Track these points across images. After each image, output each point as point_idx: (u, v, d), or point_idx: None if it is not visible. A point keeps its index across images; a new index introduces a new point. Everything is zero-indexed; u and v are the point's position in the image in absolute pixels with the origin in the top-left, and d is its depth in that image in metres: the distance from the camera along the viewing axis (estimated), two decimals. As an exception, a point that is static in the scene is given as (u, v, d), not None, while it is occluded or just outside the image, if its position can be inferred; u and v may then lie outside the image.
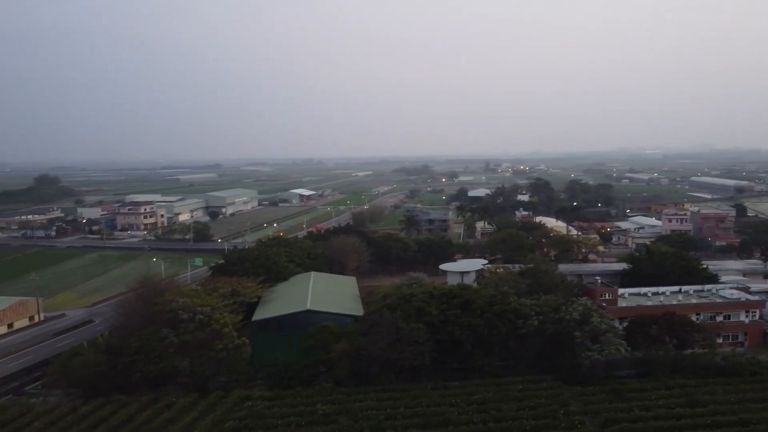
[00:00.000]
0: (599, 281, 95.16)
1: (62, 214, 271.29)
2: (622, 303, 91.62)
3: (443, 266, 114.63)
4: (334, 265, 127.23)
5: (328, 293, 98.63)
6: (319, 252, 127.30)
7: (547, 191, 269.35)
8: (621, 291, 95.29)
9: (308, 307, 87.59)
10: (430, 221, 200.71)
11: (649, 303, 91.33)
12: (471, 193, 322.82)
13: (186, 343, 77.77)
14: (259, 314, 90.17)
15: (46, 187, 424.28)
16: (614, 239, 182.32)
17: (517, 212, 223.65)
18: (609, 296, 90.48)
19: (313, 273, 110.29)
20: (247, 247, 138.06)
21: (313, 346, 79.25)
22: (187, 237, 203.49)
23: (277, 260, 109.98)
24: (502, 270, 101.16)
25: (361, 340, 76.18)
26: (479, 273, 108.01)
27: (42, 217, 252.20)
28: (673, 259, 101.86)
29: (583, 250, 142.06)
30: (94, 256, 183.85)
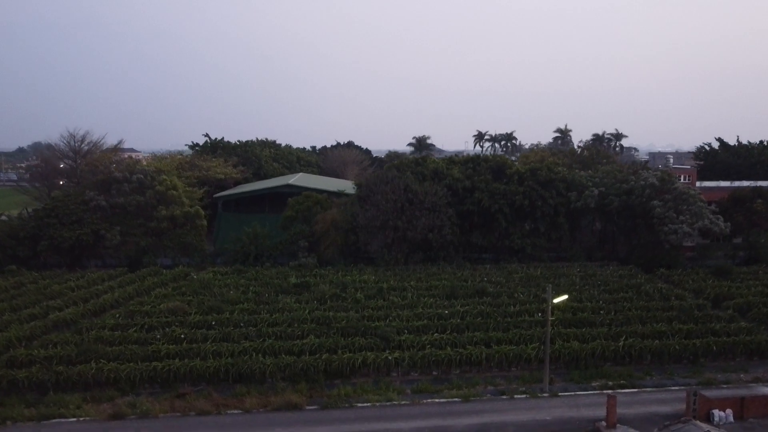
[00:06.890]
0: (671, 161, 73.27)
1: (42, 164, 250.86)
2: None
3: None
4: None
5: (319, 180, 77.72)
6: (312, 160, 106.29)
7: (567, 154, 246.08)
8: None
9: (290, 182, 66.76)
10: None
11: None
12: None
13: (118, 208, 57.23)
14: (228, 192, 69.22)
15: (39, 152, 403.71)
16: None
17: None
18: (687, 179, 68.94)
19: (301, 173, 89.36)
20: None
21: (294, 218, 58.25)
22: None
23: (258, 154, 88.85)
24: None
25: (358, 207, 55.28)
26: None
27: (19, 164, 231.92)
28: (760, 149, 79.46)
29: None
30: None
